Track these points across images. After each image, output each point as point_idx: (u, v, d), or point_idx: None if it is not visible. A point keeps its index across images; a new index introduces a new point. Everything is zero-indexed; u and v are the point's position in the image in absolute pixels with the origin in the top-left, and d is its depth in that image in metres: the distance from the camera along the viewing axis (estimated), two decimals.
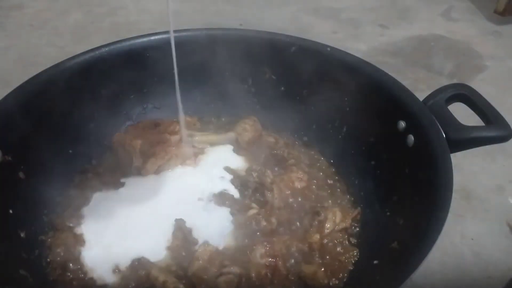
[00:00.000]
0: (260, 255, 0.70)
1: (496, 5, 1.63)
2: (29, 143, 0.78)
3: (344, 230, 0.79)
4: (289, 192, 0.85)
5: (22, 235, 0.73)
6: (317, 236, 0.76)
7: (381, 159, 0.84)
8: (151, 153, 0.86)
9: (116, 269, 0.72)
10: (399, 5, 1.78)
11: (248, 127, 0.95)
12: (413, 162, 0.75)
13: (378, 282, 0.64)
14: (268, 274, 0.69)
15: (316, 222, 0.78)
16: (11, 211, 0.72)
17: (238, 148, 0.95)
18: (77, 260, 0.74)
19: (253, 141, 0.95)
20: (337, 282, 0.72)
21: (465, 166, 1.04)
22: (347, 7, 1.74)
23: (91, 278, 0.72)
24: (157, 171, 0.87)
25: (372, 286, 0.66)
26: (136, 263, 0.72)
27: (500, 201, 0.99)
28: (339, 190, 0.88)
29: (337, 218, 0.79)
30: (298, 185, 0.86)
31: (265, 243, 0.72)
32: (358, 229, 0.80)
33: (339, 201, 0.85)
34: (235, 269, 0.69)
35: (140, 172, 0.86)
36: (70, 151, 0.88)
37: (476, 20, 1.68)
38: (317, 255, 0.75)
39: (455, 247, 0.89)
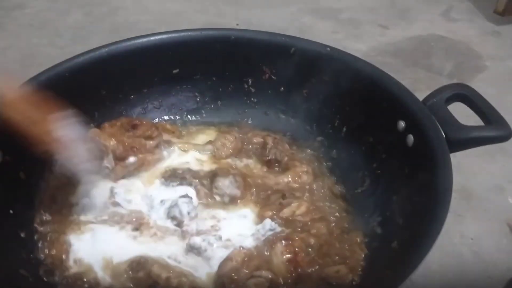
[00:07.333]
0: (280, 251, 0.71)
1: (496, 5, 1.63)
2: (29, 143, 0.78)
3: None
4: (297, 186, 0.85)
5: (22, 235, 0.73)
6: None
7: (381, 159, 0.84)
8: (123, 157, 0.83)
9: (116, 269, 0.72)
10: (399, 5, 1.78)
11: (227, 144, 0.90)
12: (412, 162, 0.75)
13: (378, 281, 0.64)
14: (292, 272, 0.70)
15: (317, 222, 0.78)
16: (11, 211, 0.72)
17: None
18: (78, 260, 0.73)
19: (232, 155, 0.91)
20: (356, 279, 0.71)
21: (465, 166, 1.04)
22: (347, 7, 1.74)
23: (92, 278, 0.71)
24: (126, 176, 0.84)
25: (372, 286, 0.66)
26: (135, 264, 0.72)
27: (499, 201, 0.99)
28: (338, 189, 0.88)
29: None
30: (305, 178, 0.86)
31: (283, 241, 0.72)
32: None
33: (338, 200, 0.85)
34: (266, 273, 0.69)
35: (109, 174, 0.83)
36: None
37: (476, 20, 1.68)
38: (331, 253, 0.74)
39: (454, 247, 0.89)
